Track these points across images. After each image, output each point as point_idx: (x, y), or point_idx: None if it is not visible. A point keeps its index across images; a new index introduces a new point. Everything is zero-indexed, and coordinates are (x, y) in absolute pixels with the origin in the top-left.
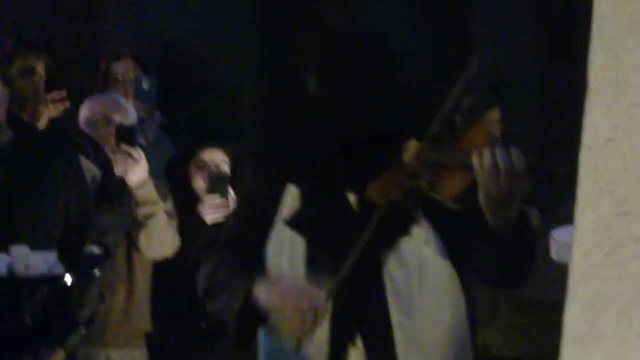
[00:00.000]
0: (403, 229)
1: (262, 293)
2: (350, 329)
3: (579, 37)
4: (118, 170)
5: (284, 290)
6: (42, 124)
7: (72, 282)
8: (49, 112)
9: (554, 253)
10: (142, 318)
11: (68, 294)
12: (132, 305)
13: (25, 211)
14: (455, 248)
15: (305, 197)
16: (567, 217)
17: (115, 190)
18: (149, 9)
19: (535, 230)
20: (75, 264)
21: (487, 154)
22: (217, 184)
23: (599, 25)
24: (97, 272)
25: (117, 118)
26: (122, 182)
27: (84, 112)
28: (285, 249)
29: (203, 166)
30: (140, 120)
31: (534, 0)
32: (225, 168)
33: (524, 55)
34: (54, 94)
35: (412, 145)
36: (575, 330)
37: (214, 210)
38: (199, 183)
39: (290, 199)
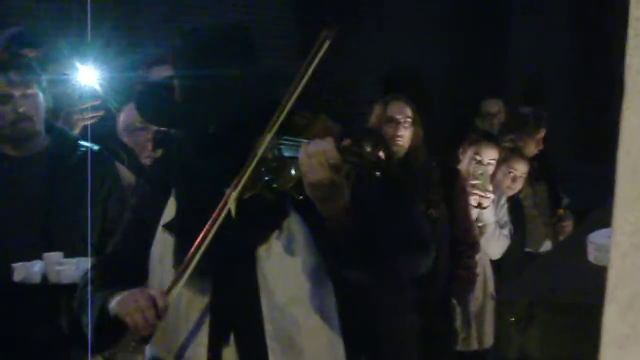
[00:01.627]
0: (274, 223)
1: (111, 302)
2: (226, 329)
3: (615, 39)
4: None
5: (126, 295)
6: (77, 131)
7: None
8: (83, 121)
9: (592, 256)
10: None
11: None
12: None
13: (62, 218)
14: (321, 235)
15: (180, 199)
16: (602, 221)
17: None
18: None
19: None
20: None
21: (310, 144)
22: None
23: (635, 27)
24: None
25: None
26: (142, 186)
27: (123, 118)
28: (158, 253)
29: None
30: None
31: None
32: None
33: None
34: (89, 102)
35: (265, 140)
36: (615, 333)
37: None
38: None
39: (171, 203)
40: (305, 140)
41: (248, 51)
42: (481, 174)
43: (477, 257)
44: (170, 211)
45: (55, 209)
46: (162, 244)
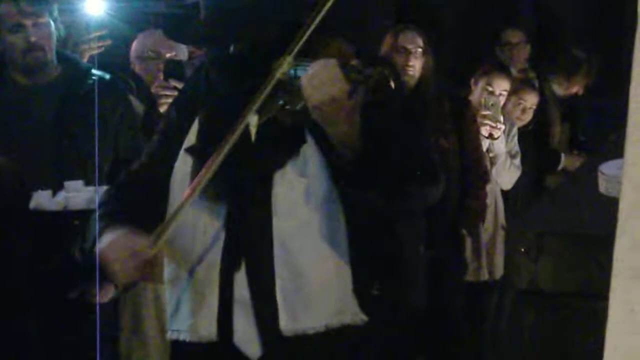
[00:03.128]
0: (292, 148)
1: (102, 241)
2: (238, 251)
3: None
4: (163, 105)
5: (112, 240)
6: (84, 61)
7: None
8: (90, 51)
9: (602, 187)
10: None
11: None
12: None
13: (75, 146)
14: (333, 161)
15: (202, 122)
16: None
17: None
18: None
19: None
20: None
21: (314, 65)
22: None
23: None
24: None
25: (166, 53)
26: (168, 111)
27: (135, 46)
28: (179, 176)
29: None
30: (190, 56)
31: None
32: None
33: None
34: (96, 32)
35: (284, 62)
36: (626, 264)
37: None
38: None
39: (195, 127)
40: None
41: None
42: (492, 104)
43: (488, 187)
44: (194, 135)
45: (67, 137)
46: (184, 167)
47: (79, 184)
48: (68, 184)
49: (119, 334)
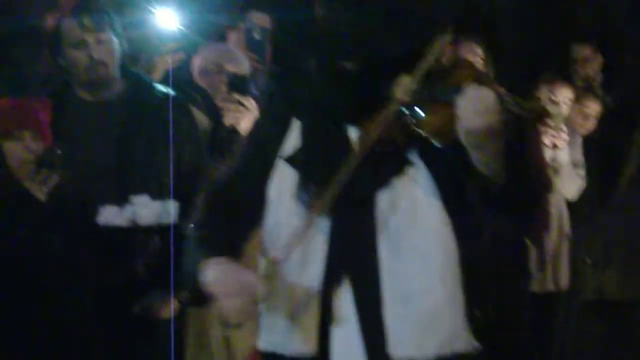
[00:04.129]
0: (397, 168)
1: (205, 275)
2: (339, 268)
3: None
4: (228, 119)
5: (219, 273)
6: (157, 75)
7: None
8: (164, 64)
9: None
10: (252, 269)
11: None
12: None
13: (139, 162)
14: (447, 189)
15: (304, 132)
16: None
17: (226, 141)
18: None
19: (529, 168)
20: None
21: (470, 90)
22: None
23: None
24: None
25: (230, 67)
26: (232, 132)
27: (197, 61)
28: (277, 186)
29: None
30: (253, 70)
31: None
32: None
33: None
34: (170, 45)
35: (403, 81)
36: None
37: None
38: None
39: (294, 134)
40: (451, 86)
41: None
42: (556, 114)
43: (552, 197)
44: (292, 144)
45: (132, 153)
46: (282, 178)
47: (145, 198)
48: (135, 198)
49: (184, 349)
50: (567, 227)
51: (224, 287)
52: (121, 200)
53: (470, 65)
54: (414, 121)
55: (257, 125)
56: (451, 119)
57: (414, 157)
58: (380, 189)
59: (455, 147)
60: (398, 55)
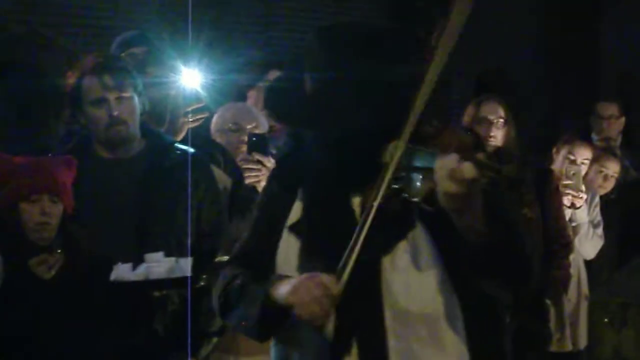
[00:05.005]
0: (400, 234)
1: (278, 293)
2: (348, 339)
3: None
4: (249, 179)
5: (296, 284)
6: (182, 135)
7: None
8: (188, 124)
9: None
10: None
11: (201, 303)
12: None
13: (158, 220)
14: (448, 250)
15: (307, 201)
16: None
17: (246, 200)
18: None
19: (520, 233)
20: (208, 273)
21: (445, 155)
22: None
23: None
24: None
25: (248, 126)
26: (253, 192)
27: (216, 119)
28: (283, 254)
29: None
30: (271, 129)
31: None
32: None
33: None
34: (194, 105)
35: (393, 147)
36: None
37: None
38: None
39: (297, 205)
40: (435, 151)
41: (389, 53)
42: (574, 173)
43: (571, 257)
44: (296, 212)
45: (151, 212)
46: (287, 246)
47: (159, 255)
48: (148, 256)
49: None
50: (585, 286)
51: (304, 293)
52: (137, 258)
53: (451, 129)
54: (397, 187)
55: (266, 194)
56: (433, 184)
57: (415, 218)
58: (384, 253)
59: (437, 214)
60: (391, 122)
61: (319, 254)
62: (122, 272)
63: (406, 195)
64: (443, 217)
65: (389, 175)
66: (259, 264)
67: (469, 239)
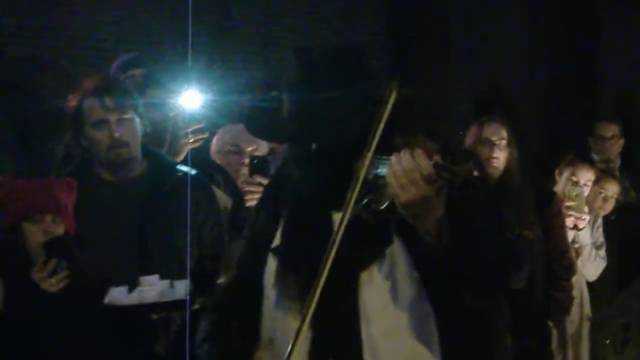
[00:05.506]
0: (377, 250)
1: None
2: (324, 354)
3: None
4: (251, 201)
5: (394, 166)
6: (182, 157)
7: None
8: (189, 145)
9: None
10: None
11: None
12: None
13: (158, 242)
14: (424, 263)
15: (285, 222)
16: None
17: (246, 222)
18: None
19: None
20: (209, 295)
21: (395, 164)
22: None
23: None
24: None
25: (247, 148)
26: (253, 213)
27: (215, 141)
28: (269, 276)
29: None
30: (271, 151)
31: None
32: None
33: None
34: (194, 126)
35: (365, 160)
36: None
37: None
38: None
39: (281, 227)
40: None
41: (359, 73)
42: (577, 195)
43: (574, 279)
44: (279, 236)
45: (153, 233)
46: (271, 268)
47: (155, 278)
48: (144, 279)
49: None
50: (587, 308)
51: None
52: (135, 280)
53: (419, 139)
54: (370, 198)
55: (250, 219)
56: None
57: (392, 233)
58: (361, 270)
59: (402, 225)
60: (359, 133)
61: (292, 274)
62: (116, 295)
63: (373, 205)
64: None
65: (357, 187)
66: (244, 292)
67: (433, 247)
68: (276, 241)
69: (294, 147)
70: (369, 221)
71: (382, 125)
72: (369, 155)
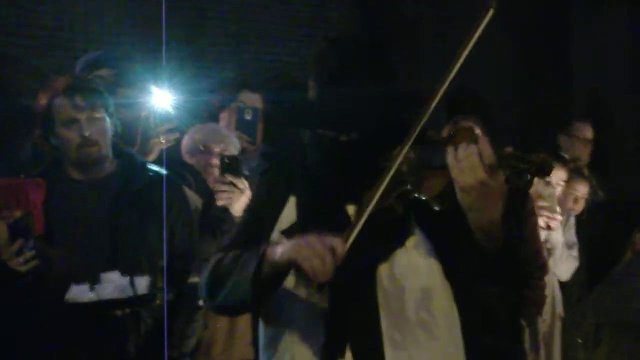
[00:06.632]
0: (398, 241)
1: (276, 252)
2: (342, 342)
3: None
4: (221, 200)
5: (298, 240)
6: (153, 156)
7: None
8: (160, 145)
9: None
10: (244, 346)
11: (173, 324)
12: (234, 333)
13: (129, 241)
14: (447, 255)
15: (300, 207)
16: None
17: (217, 221)
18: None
19: (522, 237)
20: (180, 294)
21: (459, 149)
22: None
23: None
24: (201, 302)
25: (217, 148)
26: (224, 212)
27: (185, 141)
28: None
29: None
30: (243, 150)
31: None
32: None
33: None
34: (165, 126)
35: (400, 153)
36: None
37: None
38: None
39: (289, 209)
40: (445, 151)
41: (388, 67)
42: (549, 195)
43: (546, 278)
44: (288, 217)
45: (123, 232)
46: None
47: (115, 274)
48: (104, 275)
49: None
50: (560, 307)
51: (308, 248)
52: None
53: (465, 128)
54: (410, 188)
55: (254, 200)
56: (448, 182)
57: (413, 225)
58: (381, 261)
59: (454, 212)
60: (390, 125)
61: None
62: (76, 292)
63: (416, 194)
64: (443, 223)
65: (386, 181)
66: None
67: (481, 242)
68: (285, 222)
69: (322, 134)
70: (397, 212)
71: (473, 42)
72: (405, 147)
